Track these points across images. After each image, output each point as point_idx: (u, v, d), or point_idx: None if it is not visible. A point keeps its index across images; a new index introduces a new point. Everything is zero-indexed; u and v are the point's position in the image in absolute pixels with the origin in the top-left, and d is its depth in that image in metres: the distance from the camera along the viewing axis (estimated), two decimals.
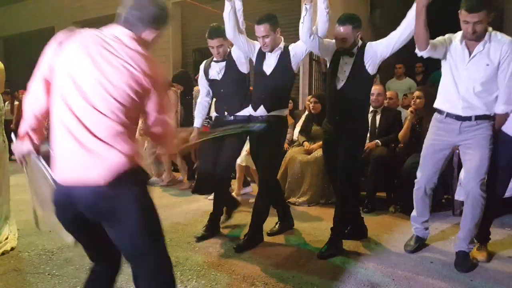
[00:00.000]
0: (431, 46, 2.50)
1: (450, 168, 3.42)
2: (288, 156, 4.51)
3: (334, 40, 2.78)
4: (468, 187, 2.54)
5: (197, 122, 3.39)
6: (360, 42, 2.74)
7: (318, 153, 4.18)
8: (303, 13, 2.69)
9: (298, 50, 2.91)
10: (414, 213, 2.93)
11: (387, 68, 7.69)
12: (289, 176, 4.42)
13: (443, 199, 3.95)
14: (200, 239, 3.13)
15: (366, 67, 2.71)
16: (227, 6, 2.89)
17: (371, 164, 3.92)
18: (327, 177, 4.06)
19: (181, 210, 4.06)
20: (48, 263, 2.67)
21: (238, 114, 3.14)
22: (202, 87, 3.38)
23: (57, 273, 2.51)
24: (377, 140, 4.09)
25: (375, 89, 4.29)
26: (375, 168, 3.91)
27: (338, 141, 2.86)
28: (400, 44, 2.61)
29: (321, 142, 3.62)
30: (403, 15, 2.59)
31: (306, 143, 4.52)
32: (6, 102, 8.41)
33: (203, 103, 3.39)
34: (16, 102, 8.47)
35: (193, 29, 8.99)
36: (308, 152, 4.38)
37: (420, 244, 2.93)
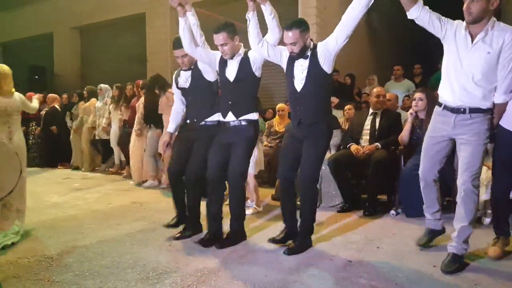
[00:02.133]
0: (420, 7, 2.50)
1: (451, 170, 3.40)
2: None
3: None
4: (460, 181, 2.56)
5: (170, 127, 3.57)
6: (311, 44, 2.84)
7: None
8: (247, 22, 2.89)
9: (256, 55, 3.02)
10: (424, 205, 2.96)
11: (386, 69, 7.72)
12: None
13: (444, 201, 3.93)
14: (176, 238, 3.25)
15: (322, 66, 2.81)
16: (181, 22, 3.04)
17: (372, 167, 3.91)
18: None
19: None
20: (48, 269, 2.65)
21: (207, 119, 3.28)
22: (176, 96, 3.56)
23: (57, 279, 2.48)
24: (377, 143, 4.07)
25: (378, 91, 4.28)
26: (375, 171, 3.90)
27: (301, 143, 2.94)
28: (347, 32, 2.70)
29: None
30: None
31: None
32: None
33: (176, 109, 3.56)
34: None
35: None
36: None
37: (432, 237, 2.96)
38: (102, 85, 7.06)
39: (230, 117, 3.08)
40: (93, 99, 7.22)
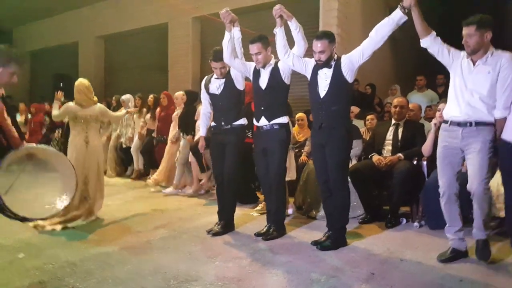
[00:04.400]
0: (432, 38, 2.84)
1: None
2: (307, 169, 4.47)
3: (313, 58, 3.19)
4: (472, 187, 2.75)
5: (202, 131, 3.92)
6: (335, 56, 3.15)
7: None
8: (275, 36, 3.23)
9: (285, 65, 3.36)
10: (447, 224, 3.02)
11: (408, 79, 7.62)
12: (308, 190, 4.37)
13: (469, 214, 3.82)
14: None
15: (345, 76, 3.11)
16: (227, 36, 3.39)
17: (394, 178, 3.84)
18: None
19: (200, 222, 4.04)
20: (71, 275, 2.69)
21: (233, 123, 3.61)
22: (205, 101, 3.87)
23: (80, 285, 2.52)
24: (399, 154, 4.00)
25: (398, 101, 4.23)
26: (398, 182, 3.83)
27: (324, 148, 3.19)
28: (374, 47, 3.01)
29: None
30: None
31: None
32: (18, 114, 8.64)
33: (206, 114, 3.90)
34: (29, 116, 8.64)
35: (212, 42, 9.06)
36: None
37: (455, 256, 2.95)
38: (124, 97, 7.23)
39: (263, 121, 3.45)
40: (122, 108, 7.41)
